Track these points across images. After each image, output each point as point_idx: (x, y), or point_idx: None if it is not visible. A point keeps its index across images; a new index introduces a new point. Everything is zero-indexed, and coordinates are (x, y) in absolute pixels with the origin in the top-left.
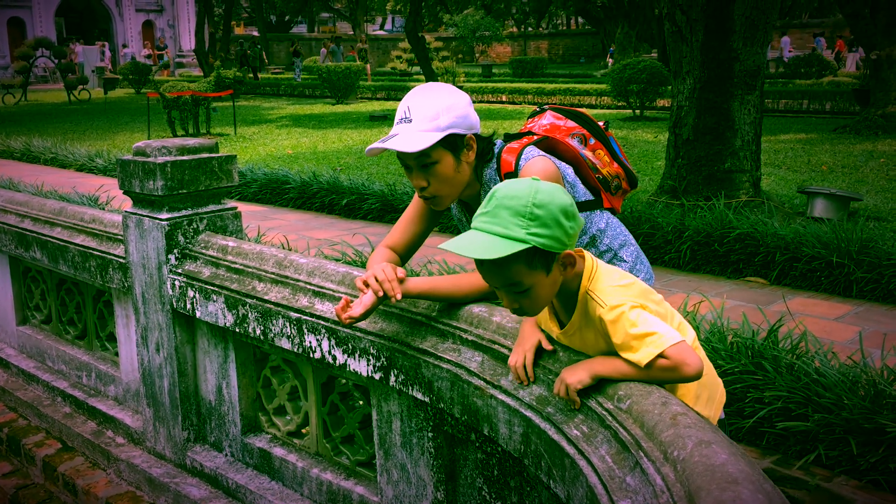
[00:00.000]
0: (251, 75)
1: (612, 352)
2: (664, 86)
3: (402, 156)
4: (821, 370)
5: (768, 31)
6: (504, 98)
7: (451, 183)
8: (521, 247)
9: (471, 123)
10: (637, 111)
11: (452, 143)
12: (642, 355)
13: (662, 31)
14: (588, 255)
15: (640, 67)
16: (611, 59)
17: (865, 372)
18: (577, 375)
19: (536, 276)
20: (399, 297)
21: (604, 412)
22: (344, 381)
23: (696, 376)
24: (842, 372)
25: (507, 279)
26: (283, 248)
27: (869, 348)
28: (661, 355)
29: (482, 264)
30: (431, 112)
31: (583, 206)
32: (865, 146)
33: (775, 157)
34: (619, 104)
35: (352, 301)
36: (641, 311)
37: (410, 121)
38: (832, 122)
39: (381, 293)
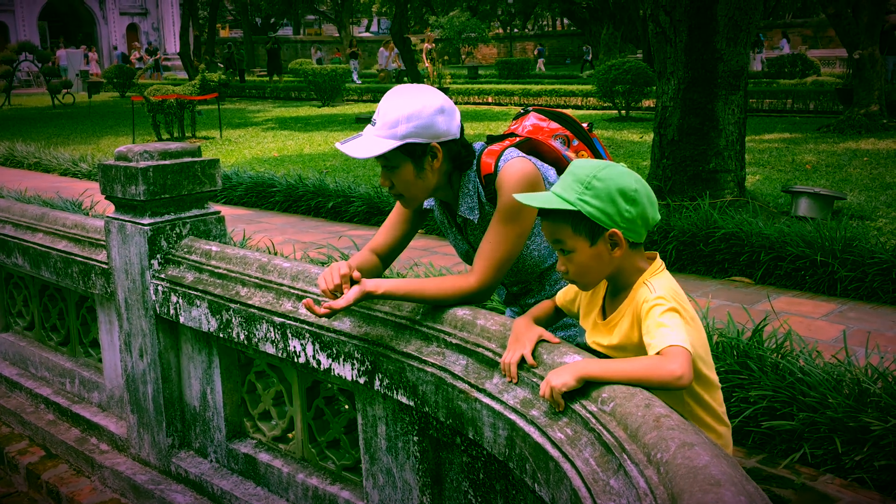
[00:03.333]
0: (237, 77)
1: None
2: (649, 86)
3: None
4: (805, 369)
5: (751, 31)
6: (490, 99)
7: (412, 187)
8: (564, 206)
9: (436, 132)
10: (623, 112)
11: (412, 151)
12: (656, 342)
13: (647, 31)
14: (660, 259)
15: (626, 68)
16: (540, 61)
17: (850, 370)
18: (561, 378)
19: (578, 242)
20: (341, 305)
21: (588, 414)
22: (329, 385)
23: (678, 383)
24: (826, 371)
25: (553, 234)
26: (268, 252)
27: (853, 346)
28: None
29: (544, 216)
30: (391, 119)
31: None
32: (849, 145)
33: (760, 157)
34: (605, 105)
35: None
36: (676, 315)
37: (374, 123)
38: (816, 121)
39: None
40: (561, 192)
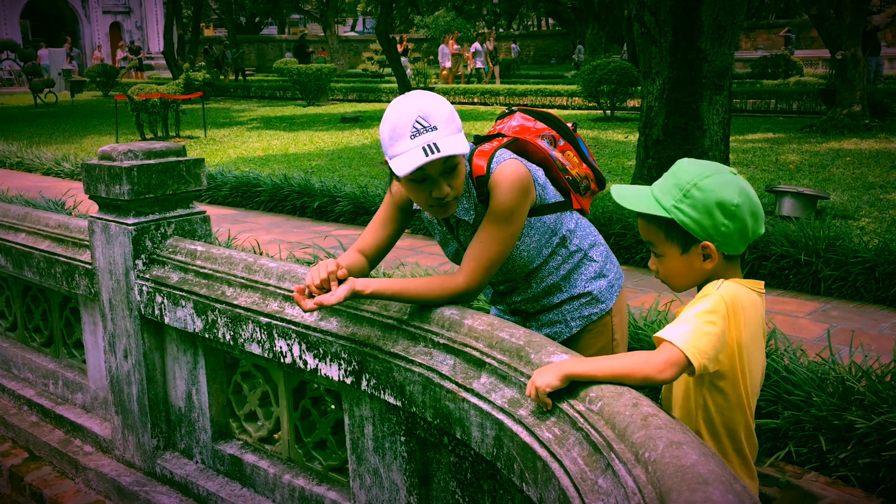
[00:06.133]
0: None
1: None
2: (634, 86)
3: (425, 168)
4: (790, 367)
5: (735, 31)
6: (476, 99)
7: (462, 181)
8: (658, 211)
9: None
10: (607, 111)
11: None
12: (669, 334)
13: (632, 31)
14: (761, 284)
15: (611, 68)
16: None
17: (834, 369)
18: (545, 378)
19: (669, 248)
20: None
21: (575, 414)
22: (315, 385)
23: (659, 377)
24: (811, 369)
25: (646, 234)
26: (254, 252)
27: (836, 345)
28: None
29: (639, 214)
30: (448, 115)
31: (553, 208)
32: (832, 145)
33: (744, 157)
34: (590, 105)
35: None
36: (712, 325)
37: (435, 128)
38: (799, 121)
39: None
40: (659, 195)
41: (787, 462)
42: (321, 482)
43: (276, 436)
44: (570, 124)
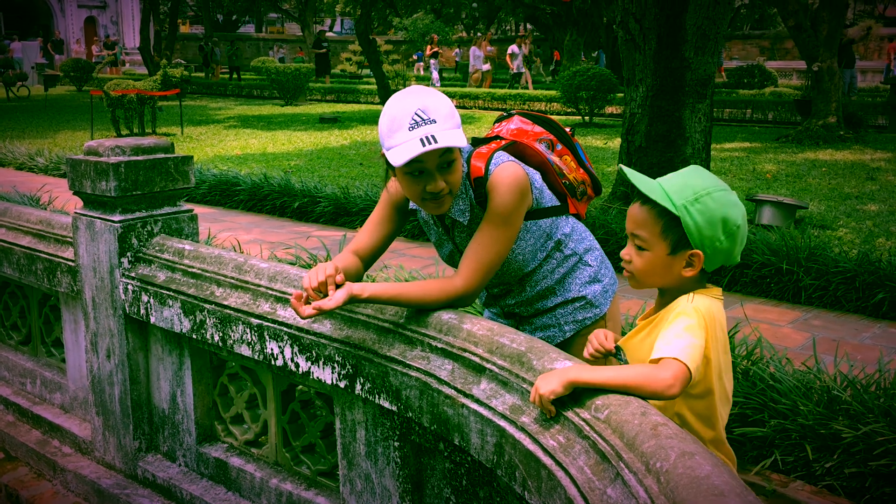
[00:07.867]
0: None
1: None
2: (613, 93)
3: (422, 161)
4: (776, 376)
5: (719, 41)
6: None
7: (459, 179)
8: (664, 203)
9: None
10: (586, 118)
11: None
12: (672, 352)
13: (610, 39)
14: (721, 291)
15: (590, 75)
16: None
17: (819, 378)
18: (549, 385)
19: (658, 245)
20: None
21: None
22: (304, 388)
23: (668, 393)
24: (796, 378)
25: (638, 225)
26: (237, 252)
27: (819, 354)
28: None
29: (642, 202)
30: (448, 110)
31: (549, 212)
32: (807, 155)
33: (722, 165)
34: (569, 110)
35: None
36: (700, 337)
37: (434, 121)
38: (775, 131)
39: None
40: (670, 190)
41: (774, 470)
42: (309, 487)
43: (261, 439)
44: (568, 129)
